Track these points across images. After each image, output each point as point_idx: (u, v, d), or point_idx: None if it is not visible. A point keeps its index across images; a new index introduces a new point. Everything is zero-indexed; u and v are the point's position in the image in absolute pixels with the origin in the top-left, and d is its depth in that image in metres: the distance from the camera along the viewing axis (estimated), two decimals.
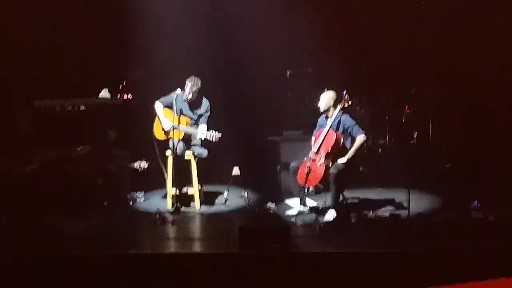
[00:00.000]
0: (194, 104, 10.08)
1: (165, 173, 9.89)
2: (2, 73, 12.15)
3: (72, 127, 11.12)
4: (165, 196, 10.06)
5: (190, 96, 9.94)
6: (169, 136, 9.87)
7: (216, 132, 9.64)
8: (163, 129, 10.01)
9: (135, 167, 10.31)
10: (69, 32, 12.44)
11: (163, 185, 10.01)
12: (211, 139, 9.64)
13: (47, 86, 12.24)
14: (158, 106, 10.12)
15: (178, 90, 9.92)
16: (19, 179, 9.35)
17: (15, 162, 9.38)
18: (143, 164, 10.27)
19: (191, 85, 9.92)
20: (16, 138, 11.74)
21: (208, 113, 10.12)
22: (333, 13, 12.61)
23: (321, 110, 9.57)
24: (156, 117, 10.12)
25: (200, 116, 10.09)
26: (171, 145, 9.72)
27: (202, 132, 9.76)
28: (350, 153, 9.30)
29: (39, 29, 12.38)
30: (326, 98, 9.52)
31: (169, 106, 10.07)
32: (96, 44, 12.48)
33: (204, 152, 9.94)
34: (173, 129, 9.65)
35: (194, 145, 10.03)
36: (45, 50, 12.32)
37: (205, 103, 10.15)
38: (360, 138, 9.37)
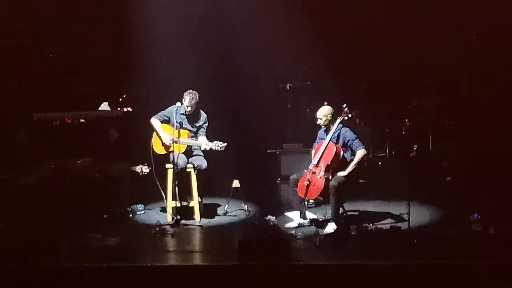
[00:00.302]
0: (192, 117, 10.10)
1: (161, 190, 9.88)
2: (3, 86, 12.18)
3: (71, 139, 11.16)
4: (164, 209, 10.04)
5: (188, 109, 9.97)
6: (170, 150, 9.87)
7: (221, 142, 9.65)
8: (163, 144, 10.02)
9: (136, 170, 10.28)
10: (69, 45, 12.49)
11: (163, 197, 9.99)
12: (216, 148, 9.64)
13: (47, 99, 12.28)
14: (155, 122, 10.15)
15: (178, 104, 9.95)
16: (17, 192, 9.32)
17: (14, 174, 9.35)
18: (145, 169, 10.24)
19: (189, 99, 9.95)
20: (15, 150, 11.79)
21: (207, 124, 10.16)
22: (334, 27, 12.65)
23: (321, 125, 9.59)
24: (154, 133, 10.13)
25: (199, 127, 10.11)
26: (171, 159, 9.72)
27: (205, 143, 9.77)
28: (350, 167, 9.30)
29: (40, 42, 12.43)
30: (323, 113, 9.53)
31: (166, 121, 10.11)
32: (97, 58, 12.52)
33: (203, 164, 9.95)
34: (174, 143, 9.64)
35: (194, 156, 10.03)
36: (46, 63, 12.36)
37: (203, 114, 10.19)
38: (360, 153, 9.38)
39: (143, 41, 12.60)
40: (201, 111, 10.21)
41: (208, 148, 9.75)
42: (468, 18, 12.05)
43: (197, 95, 10.01)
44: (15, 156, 11.61)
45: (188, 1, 12.59)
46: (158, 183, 9.84)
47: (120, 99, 12.41)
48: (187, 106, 9.96)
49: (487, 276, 7.23)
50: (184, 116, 10.00)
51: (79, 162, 10.08)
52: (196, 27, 12.69)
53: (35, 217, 9.46)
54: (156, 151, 10.07)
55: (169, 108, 10.16)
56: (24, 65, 12.33)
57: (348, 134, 9.45)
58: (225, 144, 9.65)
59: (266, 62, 12.33)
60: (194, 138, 10.05)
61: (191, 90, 10.01)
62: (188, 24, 12.64)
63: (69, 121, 11.92)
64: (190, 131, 10.06)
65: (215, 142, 9.69)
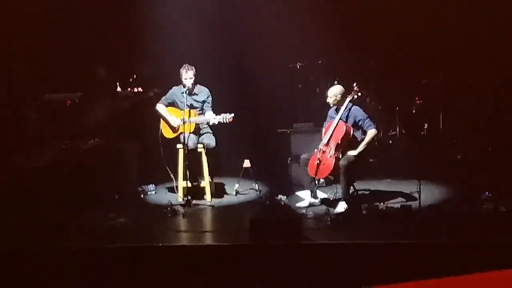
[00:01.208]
0: (194, 93, 10.08)
1: (171, 174, 9.90)
2: (10, 68, 12.20)
3: (81, 120, 11.18)
4: (174, 189, 10.07)
5: (188, 84, 9.89)
6: (179, 132, 9.87)
7: (228, 114, 9.61)
8: (171, 127, 10.02)
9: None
10: (79, 26, 12.49)
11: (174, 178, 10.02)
12: (224, 121, 9.60)
13: (55, 81, 12.30)
14: (160, 107, 10.16)
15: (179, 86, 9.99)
16: (28, 174, 9.36)
17: (24, 156, 9.38)
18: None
19: (184, 72, 9.90)
20: (25, 131, 11.81)
21: (211, 98, 10.12)
22: (344, 5, 12.59)
23: (331, 104, 9.58)
24: (161, 119, 10.14)
25: (203, 102, 10.10)
26: (181, 139, 9.72)
27: (213, 117, 9.73)
28: (361, 147, 9.29)
29: (46, 26, 12.42)
30: (334, 93, 9.51)
31: (171, 104, 10.12)
32: (106, 39, 12.52)
33: (212, 142, 9.94)
34: (184, 123, 9.63)
35: (203, 134, 10.01)
36: (55, 45, 12.37)
37: (204, 89, 10.15)
38: (372, 132, 9.36)
39: (152, 20, 12.55)
40: (202, 86, 10.16)
41: (216, 122, 9.68)
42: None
43: (193, 68, 9.96)
44: (26, 137, 11.65)
45: None
46: (167, 167, 9.85)
47: (131, 80, 12.40)
48: (185, 79, 9.91)
49: (499, 254, 7.23)
50: (186, 94, 9.93)
51: (90, 142, 10.09)
52: (206, 5, 12.65)
53: (46, 197, 9.51)
54: (166, 136, 10.07)
55: (171, 90, 10.16)
56: (32, 46, 12.34)
57: (359, 113, 9.43)
58: (232, 115, 9.58)
59: (276, 41, 12.29)
60: (201, 113, 10.04)
61: (186, 65, 9.97)
62: (197, 2, 12.60)
63: (79, 102, 11.96)
64: (195, 108, 10.05)
65: (222, 115, 9.64)
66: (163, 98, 10.18)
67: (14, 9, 11.96)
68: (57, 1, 12.37)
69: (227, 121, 9.58)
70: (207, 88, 10.16)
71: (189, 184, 9.83)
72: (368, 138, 9.34)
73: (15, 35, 12.01)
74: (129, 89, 11.86)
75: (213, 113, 9.92)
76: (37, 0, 12.21)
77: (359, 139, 9.40)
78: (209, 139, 9.98)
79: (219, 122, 9.66)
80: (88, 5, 12.39)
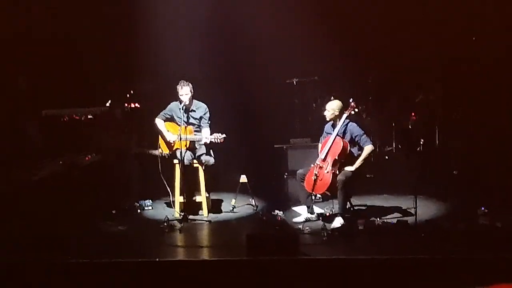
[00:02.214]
0: (190, 109, 10.11)
1: (168, 188, 9.92)
2: (11, 83, 12.25)
3: (79, 136, 11.21)
4: (171, 204, 10.08)
5: (184, 100, 9.92)
6: (175, 148, 9.90)
7: (220, 134, 9.65)
8: (167, 143, 10.06)
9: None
10: (77, 42, 12.55)
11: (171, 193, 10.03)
12: (216, 141, 9.65)
13: (55, 96, 12.34)
14: (159, 122, 10.20)
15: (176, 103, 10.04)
16: (27, 188, 9.37)
17: (23, 170, 9.39)
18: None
19: (180, 88, 9.93)
20: (24, 147, 11.84)
21: (208, 115, 10.15)
22: (340, 21, 12.66)
23: (327, 119, 9.61)
24: (159, 134, 10.18)
25: (200, 119, 10.13)
26: (178, 156, 9.75)
27: (205, 136, 9.79)
28: (358, 162, 9.32)
29: (48, 40, 12.49)
30: (332, 107, 9.55)
31: (169, 119, 10.16)
32: (104, 55, 12.57)
33: (210, 160, 9.97)
34: (180, 139, 9.65)
35: (200, 151, 10.05)
36: (55, 61, 12.42)
37: (202, 105, 10.18)
38: (368, 148, 9.40)
39: (150, 37, 12.64)
40: (200, 102, 10.20)
41: (208, 142, 9.76)
42: (475, 12, 12.02)
43: (190, 85, 9.98)
44: (24, 152, 11.67)
45: None
46: (164, 181, 9.87)
47: (128, 95, 12.44)
48: (181, 95, 9.95)
49: (494, 270, 7.25)
50: (183, 110, 9.97)
51: (87, 158, 10.10)
52: (203, 22, 12.71)
53: (43, 212, 9.51)
54: (163, 150, 10.11)
55: (170, 105, 10.20)
56: (32, 62, 12.40)
57: (355, 129, 9.46)
58: (224, 135, 9.63)
59: (273, 57, 12.35)
60: (198, 130, 10.07)
61: (182, 81, 9.99)
62: (194, 20, 12.66)
63: (77, 118, 12.00)
64: (192, 124, 10.08)
65: (214, 134, 9.69)
66: (162, 112, 10.22)
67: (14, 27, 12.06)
68: (55, 16, 12.43)
69: (219, 141, 9.63)
70: (205, 104, 10.19)
71: (185, 199, 9.83)
72: (364, 153, 9.37)
73: (16, 52, 12.09)
74: (126, 104, 11.87)
75: (210, 129, 9.97)
76: (35, 18, 12.28)
77: (355, 155, 9.43)
78: (208, 157, 10.00)
79: (211, 142, 9.71)
80: (86, 20, 12.47)
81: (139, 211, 10.44)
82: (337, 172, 9.23)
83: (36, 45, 12.43)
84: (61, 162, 9.76)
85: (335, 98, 10.06)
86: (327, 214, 9.68)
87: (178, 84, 9.98)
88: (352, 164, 9.30)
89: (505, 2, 11.86)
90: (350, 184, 9.20)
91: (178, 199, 9.92)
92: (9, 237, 8.64)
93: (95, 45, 12.53)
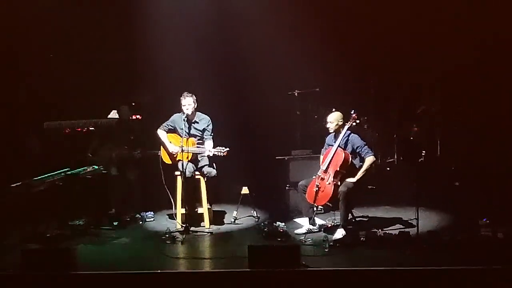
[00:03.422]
0: (193, 120, 10.14)
1: (171, 198, 9.94)
2: (13, 95, 12.28)
3: (81, 147, 11.21)
4: (173, 216, 10.09)
5: (188, 112, 9.96)
6: (177, 159, 9.91)
7: (223, 147, 9.67)
8: (169, 155, 10.08)
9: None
10: (79, 54, 12.58)
11: (172, 205, 10.03)
12: (220, 154, 9.67)
13: (57, 108, 12.35)
14: (161, 133, 10.23)
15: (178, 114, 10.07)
16: (28, 200, 9.35)
17: (24, 182, 9.39)
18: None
19: (186, 102, 9.97)
20: (26, 159, 11.86)
21: (211, 127, 10.18)
22: (342, 33, 12.67)
23: (331, 131, 9.63)
24: (161, 145, 10.20)
25: (203, 131, 10.15)
26: (180, 167, 9.76)
27: (208, 149, 9.81)
28: (360, 174, 9.34)
29: (50, 51, 12.52)
30: (334, 119, 9.57)
31: (171, 131, 10.18)
32: (106, 66, 12.59)
33: (212, 171, 9.99)
34: (182, 151, 9.66)
35: (202, 163, 10.07)
36: (57, 73, 12.45)
37: (205, 117, 10.22)
38: (370, 160, 9.41)
39: (151, 48, 12.66)
40: (203, 114, 10.24)
41: (211, 154, 9.79)
42: (477, 24, 12.03)
43: (194, 96, 10.03)
44: (26, 164, 11.69)
45: (196, 8, 12.63)
46: (168, 191, 9.89)
47: (129, 107, 12.44)
48: (183, 106, 9.98)
49: (497, 281, 7.24)
50: (186, 122, 9.99)
51: (89, 170, 10.11)
52: (205, 34, 12.74)
53: (45, 224, 9.52)
54: (165, 161, 10.13)
55: (173, 116, 10.23)
56: (33, 74, 12.43)
57: (356, 140, 9.48)
58: (227, 149, 9.67)
59: (275, 68, 12.37)
60: (201, 142, 10.09)
61: (186, 93, 10.04)
62: (196, 31, 12.69)
63: (79, 129, 12.00)
64: (195, 136, 10.10)
65: (218, 148, 9.72)
66: (164, 123, 10.25)
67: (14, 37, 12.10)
68: (56, 27, 12.49)
69: (222, 154, 9.65)
70: (208, 116, 10.21)
71: (187, 211, 9.84)
72: (366, 165, 9.38)
73: (16, 64, 12.13)
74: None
75: (213, 142, 9.98)
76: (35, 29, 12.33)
77: (357, 166, 9.44)
78: (210, 169, 10.01)
79: (214, 154, 9.72)
80: (89, 31, 12.52)
81: (140, 222, 10.46)
82: (339, 184, 9.24)
83: (37, 57, 12.48)
84: (62, 174, 9.72)
85: (336, 110, 10.08)
86: (329, 225, 9.70)
87: (181, 96, 10.01)
88: (353, 176, 9.32)
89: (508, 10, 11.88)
90: (351, 195, 9.21)
91: (180, 210, 9.93)
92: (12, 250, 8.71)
93: (97, 56, 12.56)
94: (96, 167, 10.16)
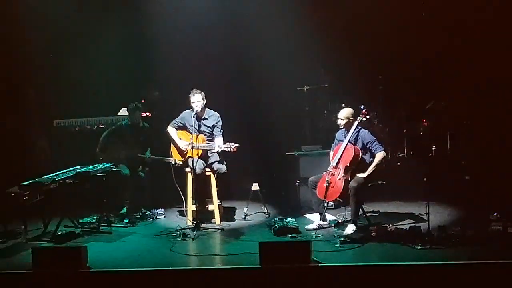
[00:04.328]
0: (203, 117, 10.16)
1: (181, 195, 9.96)
2: (23, 93, 12.32)
3: (91, 145, 11.25)
4: (184, 213, 10.11)
5: (196, 108, 9.97)
6: (187, 156, 9.93)
7: (233, 143, 9.67)
8: (179, 151, 10.10)
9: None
10: (88, 52, 12.62)
11: (183, 202, 10.04)
12: (229, 150, 9.68)
13: (67, 106, 12.41)
14: (171, 130, 10.25)
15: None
16: (37, 198, 9.38)
17: (35, 181, 9.41)
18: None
19: (195, 98, 9.98)
20: (36, 157, 11.91)
21: (220, 123, 10.19)
22: (351, 29, 12.67)
23: (340, 126, 9.62)
24: (171, 142, 10.22)
25: (213, 127, 10.16)
26: (190, 164, 9.77)
27: (218, 145, 9.82)
28: (370, 169, 9.34)
29: (59, 50, 12.55)
30: (344, 115, 9.56)
31: (181, 128, 10.20)
32: (115, 64, 12.62)
33: (222, 168, 9.99)
34: (192, 148, 9.67)
35: (213, 160, 10.08)
36: (64, 71, 12.49)
37: (214, 113, 10.24)
38: (380, 155, 9.41)
39: (160, 46, 12.68)
40: (212, 111, 10.26)
41: (220, 150, 9.80)
42: (485, 19, 12.00)
43: (203, 93, 10.03)
44: (36, 163, 11.74)
45: (205, 5, 12.63)
46: (178, 187, 9.91)
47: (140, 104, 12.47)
48: (193, 103, 9.99)
49: (507, 275, 7.23)
50: (195, 119, 10.00)
51: (99, 167, 10.12)
52: (214, 30, 12.75)
53: (55, 222, 9.55)
54: (175, 158, 10.15)
55: (182, 113, 10.25)
56: (43, 73, 12.47)
57: (367, 136, 9.48)
58: (237, 144, 9.67)
59: (284, 64, 12.36)
60: (211, 139, 10.11)
61: (194, 89, 10.04)
62: (205, 28, 12.70)
63: (89, 127, 12.06)
64: (205, 133, 10.12)
65: (227, 144, 9.72)
66: (174, 120, 10.27)
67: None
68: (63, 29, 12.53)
69: (232, 150, 9.65)
70: (218, 113, 10.22)
71: (198, 208, 9.85)
72: (376, 160, 9.38)
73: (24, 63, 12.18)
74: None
75: (222, 138, 10.00)
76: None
77: (367, 162, 9.44)
78: (220, 165, 10.02)
79: (223, 150, 9.74)
80: (96, 29, 12.56)
81: (151, 220, 10.48)
82: (349, 179, 9.24)
83: (46, 55, 12.53)
84: (73, 173, 9.75)
85: (345, 106, 10.05)
86: (340, 221, 9.69)
87: (190, 92, 10.02)
88: (364, 171, 9.31)
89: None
90: (362, 190, 9.21)
91: (190, 207, 9.94)
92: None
93: (106, 53, 12.60)
94: (107, 164, 10.17)
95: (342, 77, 12.69)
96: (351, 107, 9.76)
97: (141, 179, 10.80)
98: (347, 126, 9.55)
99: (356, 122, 9.48)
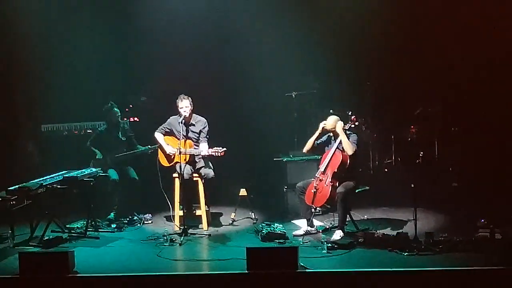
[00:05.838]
0: (190, 123, 10.15)
1: (168, 202, 9.94)
2: (10, 99, 12.30)
3: (78, 150, 11.24)
4: (171, 218, 10.10)
5: (185, 114, 9.96)
6: (175, 161, 9.92)
7: (220, 148, 9.66)
8: (166, 156, 10.09)
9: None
10: (76, 57, 12.60)
11: (169, 207, 10.03)
12: (217, 154, 9.66)
13: (54, 111, 12.39)
14: (158, 135, 10.24)
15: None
16: (26, 202, 9.35)
17: (22, 186, 9.38)
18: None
19: (183, 104, 9.97)
20: (24, 162, 11.88)
21: (207, 129, 10.18)
22: (339, 35, 12.70)
23: (328, 132, 9.63)
24: (159, 147, 10.21)
25: (199, 133, 10.15)
26: (178, 169, 9.76)
27: (206, 150, 9.81)
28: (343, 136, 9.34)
29: (47, 56, 12.53)
30: (331, 122, 9.55)
31: (168, 133, 10.19)
32: (103, 70, 12.61)
33: (210, 173, 9.99)
34: (180, 153, 9.65)
35: (200, 165, 10.07)
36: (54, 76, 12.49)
37: (201, 119, 10.22)
38: (350, 147, 9.36)
39: (148, 51, 12.70)
40: (199, 116, 10.24)
41: (207, 155, 9.79)
42: (474, 25, 12.05)
43: (190, 99, 10.02)
44: (24, 167, 11.71)
45: (193, 9, 12.64)
46: (165, 195, 9.89)
47: (127, 110, 12.46)
48: (181, 108, 9.98)
49: (495, 282, 7.25)
50: (182, 124, 9.98)
51: (87, 172, 10.10)
52: (202, 36, 12.77)
53: (44, 226, 9.52)
54: (162, 163, 10.14)
55: (169, 119, 10.25)
56: (30, 78, 12.45)
57: (352, 138, 9.47)
58: (224, 149, 9.66)
59: (272, 70, 12.38)
60: (198, 144, 10.09)
61: (182, 95, 10.03)
62: (193, 33, 12.71)
63: (76, 132, 12.04)
64: (192, 138, 10.11)
65: (215, 148, 9.71)
66: (161, 126, 10.27)
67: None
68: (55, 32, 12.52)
69: (219, 154, 9.64)
70: (204, 118, 10.21)
71: (185, 213, 9.84)
72: (346, 139, 9.35)
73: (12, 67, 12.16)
74: (125, 118, 11.87)
75: (208, 144, 9.98)
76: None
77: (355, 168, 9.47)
78: (207, 170, 10.01)
79: (211, 155, 9.72)
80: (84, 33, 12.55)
81: (138, 225, 10.46)
82: (337, 185, 9.24)
83: (34, 60, 12.51)
84: (61, 178, 9.72)
85: (333, 112, 10.06)
86: (327, 227, 9.70)
87: (177, 98, 10.01)
88: (352, 178, 9.32)
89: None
90: (349, 196, 9.22)
91: (178, 212, 9.93)
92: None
93: (93, 58, 12.59)
94: (94, 169, 10.16)
95: (331, 83, 12.72)
96: (339, 113, 9.77)
97: (130, 183, 10.73)
98: (335, 134, 9.54)
99: (345, 127, 9.46)
